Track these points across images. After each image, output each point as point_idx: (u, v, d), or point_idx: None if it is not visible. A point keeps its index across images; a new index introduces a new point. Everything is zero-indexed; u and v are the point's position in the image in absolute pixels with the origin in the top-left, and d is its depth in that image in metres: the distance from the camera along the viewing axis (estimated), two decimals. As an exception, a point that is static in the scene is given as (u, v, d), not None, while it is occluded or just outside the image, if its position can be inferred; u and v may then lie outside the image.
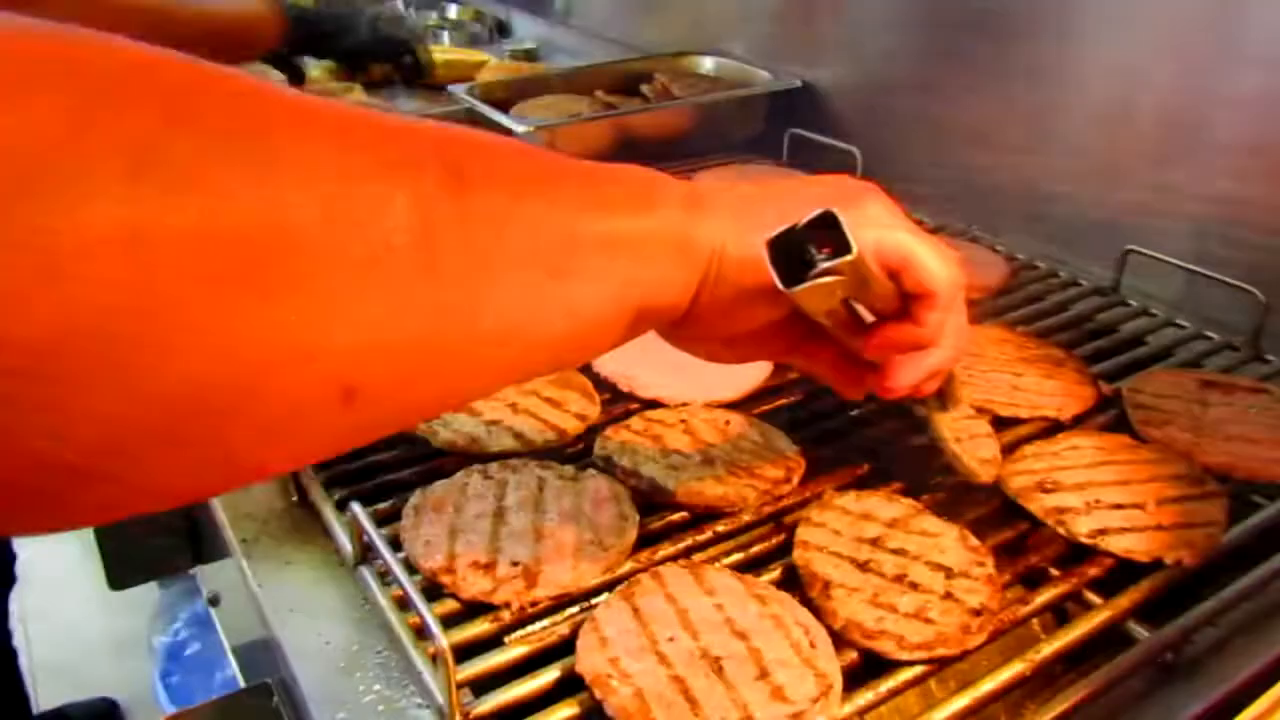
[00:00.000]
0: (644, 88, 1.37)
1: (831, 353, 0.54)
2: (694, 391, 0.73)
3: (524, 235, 0.37)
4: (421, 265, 0.32)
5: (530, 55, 1.81)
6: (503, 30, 2.02)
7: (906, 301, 0.49)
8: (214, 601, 0.92)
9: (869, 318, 0.51)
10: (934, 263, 0.47)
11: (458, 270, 0.34)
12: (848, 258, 0.43)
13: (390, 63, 1.51)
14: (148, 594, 1.53)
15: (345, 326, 0.31)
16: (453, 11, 2.08)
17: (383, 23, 1.44)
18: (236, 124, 0.28)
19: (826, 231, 0.43)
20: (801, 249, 0.44)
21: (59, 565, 2.19)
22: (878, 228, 0.47)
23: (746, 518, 0.63)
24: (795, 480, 0.64)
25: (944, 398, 0.60)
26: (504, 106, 1.26)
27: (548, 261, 0.38)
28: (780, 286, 0.44)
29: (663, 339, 0.51)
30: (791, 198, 0.48)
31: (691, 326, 0.48)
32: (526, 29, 1.97)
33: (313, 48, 1.42)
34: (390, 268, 0.31)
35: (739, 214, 0.47)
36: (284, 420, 0.31)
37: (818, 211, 0.43)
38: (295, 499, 0.66)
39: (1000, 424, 0.72)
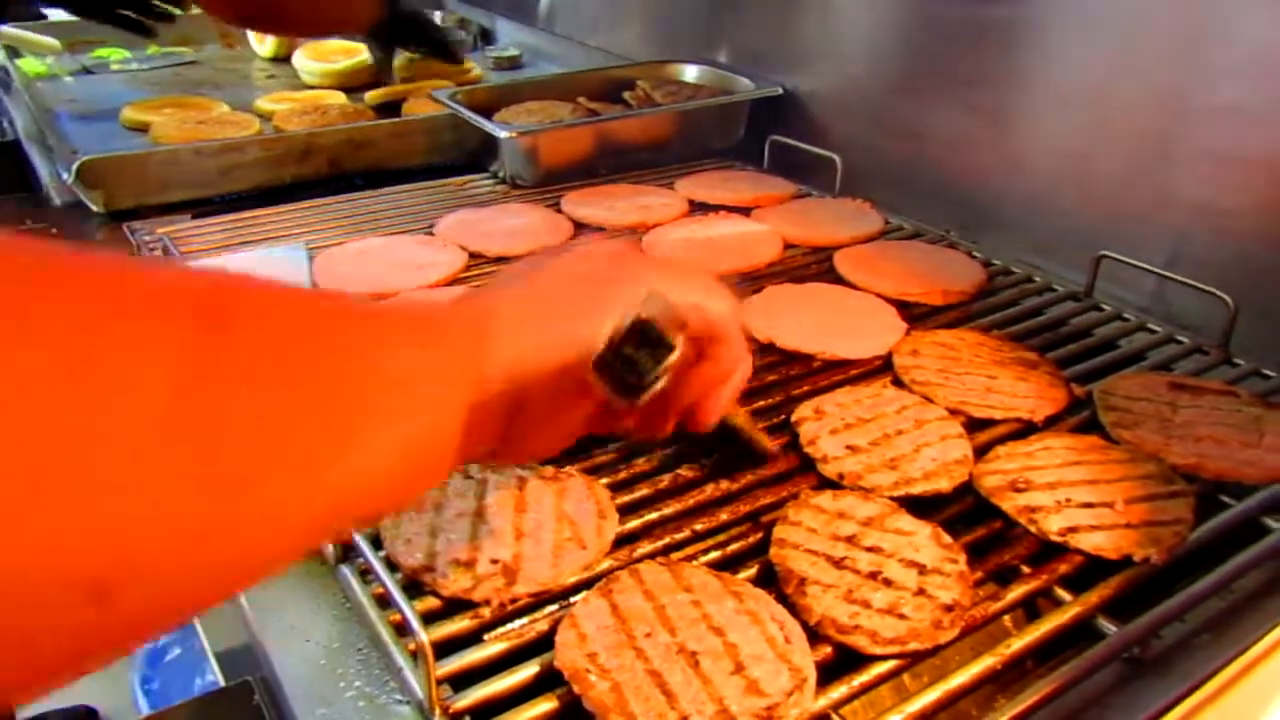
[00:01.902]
0: (626, 94, 1.39)
1: (635, 415, 0.54)
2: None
3: (296, 394, 0.33)
4: (178, 437, 0.28)
5: (514, 62, 1.82)
6: (487, 37, 2.02)
7: (696, 346, 0.50)
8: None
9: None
10: (716, 310, 0.51)
11: (223, 440, 0.29)
12: (673, 358, 0.45)
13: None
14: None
15: (92, 515, 0.26)
16: (437, 18, 2.08)
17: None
18: None
19: (640, 332, 0.45)
20: (620, 357, 0.45)
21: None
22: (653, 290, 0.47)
23: (724, 516, 0.64)
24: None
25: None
26: (488, 112, 1.27)
27: (327, 419, 0.34)
28: (623, 402, 0.45)
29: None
30: (573, 298, 0.48)
31: (509, 447, 0.46)
32: (510, 36, 1.97)
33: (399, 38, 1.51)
34: (143, 444, 0.27)
35: (528, 330, 0.45)
36: (25, 630, 0.26)
37: (629, 323, 0.44)
38: (277, 499, 0.66)
39: (974, 425, 0.73)
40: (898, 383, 0.78)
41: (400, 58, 1.56)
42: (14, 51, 1.74)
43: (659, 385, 0.45)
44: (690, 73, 1.45)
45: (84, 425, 0.26)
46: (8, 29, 1.77)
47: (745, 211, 1.12)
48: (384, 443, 0.36)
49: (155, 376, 0.28)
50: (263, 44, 1.82)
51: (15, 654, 0.26)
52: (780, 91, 1.31)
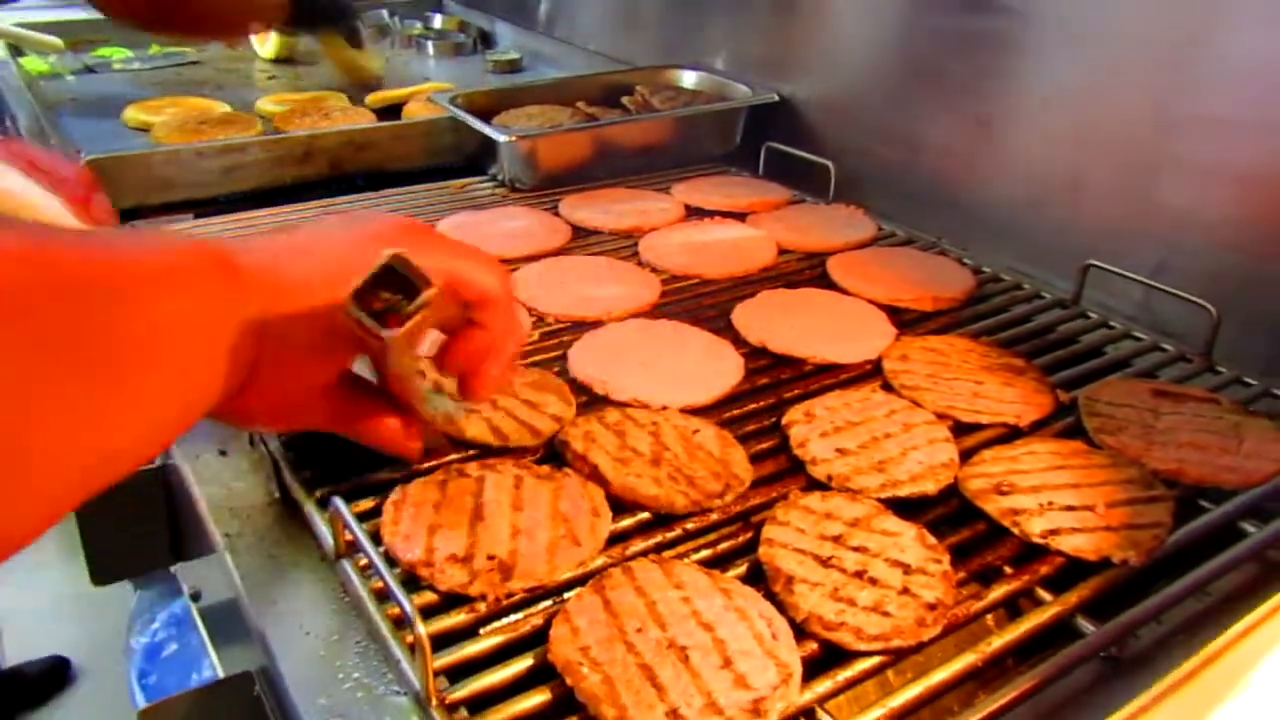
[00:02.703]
0: (625, 100, 1.40)
1: (376, 410, 0.59)
2: (666, 394, 0.76)
3: (55, 360, 0.35)
4: None
5: (514, 65, 1.84)
6: (486, 40, 2.04)
7: (468, 313, 0.55)
8: (195, 597, 0.93)
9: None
10: (483, 273, 0.54)
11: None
12: (432, 291, 0.48)
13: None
14: (125, 596, 1.54)
15: None
16: (437, 21, 2.10)
17: None
18: None
19: (392, 277, 0.48)
20: (375, 297, 0.48)
21: (34, 565, 2.18)
22: (424, 259, 0.50)
23: (715, 517, 0.65)
24: (729, 498, 0.66)
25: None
26: (487, 116, 1.28)
27: (88, 378, 0.36)
28: (382, 334, 0.47)
29: (216, 418, 0.52)
30: (333, 246, 0.51)
31: (248, 398, 0.49)
32: (510, 39, 1.99)
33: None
34: None
35: (286, 270, 0.48)
36: None
37: (386, 256, 0.47)
38: (277, 496, 0.68)
39: (961, 429, 0.75)
40: (887, 387, 0.80)
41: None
42: (16, 50, 1.75)
43: (417, 318, 0.48)
44: (688, 79, 1.47)
45: None
46: (10, 27, 1.78)
47: (740, 217, 1.14)
48: (147, 391, 0.39)
49: None
50: (264, 45, 1.84)
51: None
52: (776, 99, 1.33)
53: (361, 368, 0.61)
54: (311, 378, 0.52)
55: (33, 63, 1.71)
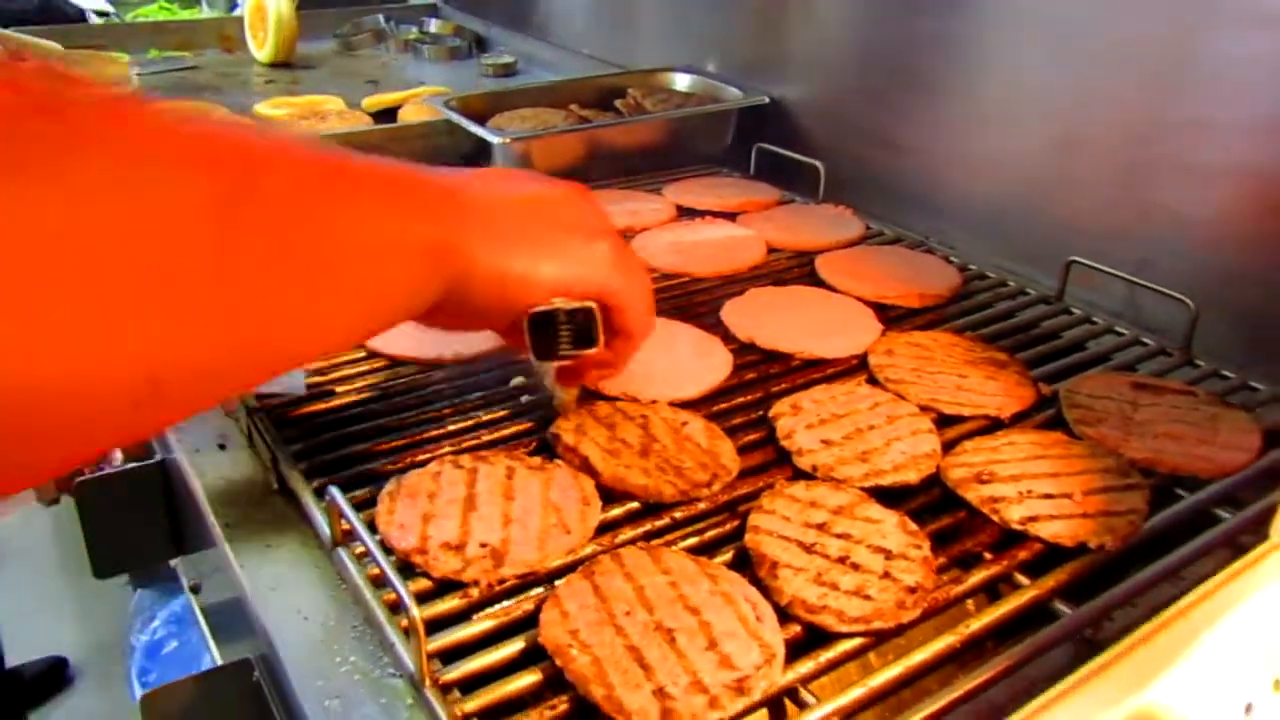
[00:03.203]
0: (618, 102, 1.42)
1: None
2: (656, 389, 0.78)
3: (309, 241, 0.41)
4: (211, 268, 0.35)
5: (509, 69, 1.85)
6: (482, 45, 2.06)
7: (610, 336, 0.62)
8: (195, 589, 0.95)
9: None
10: (640, 311, 0.61)
11: (246, 272, 0.37)
12: (591, 351, 0.58)
13: None
14: (124, 597, 1.56)
15: (145, 324, 0.32)
16: (433, 26, 2.12)
17: None
18: (28, 144, 0.29)
19: (580, 316, 0.57)
20: (551, 324, 0.57)
21: (33, 566, 2.20)
22: (602, 274, 0.59)
23: (702, 506, 0.67)
24: (717, 487, 0.68)
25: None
26: (482, 118, 1.30)
27: (329, 265, 0.42)
28: (532, 357, 0.57)
29: None
30: (538, 232, 0.57)
31: (423, 319, 0.54)
32: (506, 44, 2.01)
33: None
34: (181, 270, 0.34)
35: (492, 235, 0.53)
36: (92, 414, 0.32)
37: (581, 306, 0.57)
38: (275, 487, 0.70)
39: (944, 421, 0.76)
40: (873, 381, 0.82)
41: None
42: (17, 56, 1.77)
43: (564, 364, 0.58)
44: (680, 81, 1.48)
45: (138, 252, 0.32)
46: (10, 33, 1.80)
47: (731, 217, 1.15)
48: (366, 295, 0.46)
49: (195, 217, 0.34)
50: (262, 50, 1.85)
51: (78, 444, 0.33)
52: (767, 101, 1.35)
53: None
54: (480, 327, 0.59)
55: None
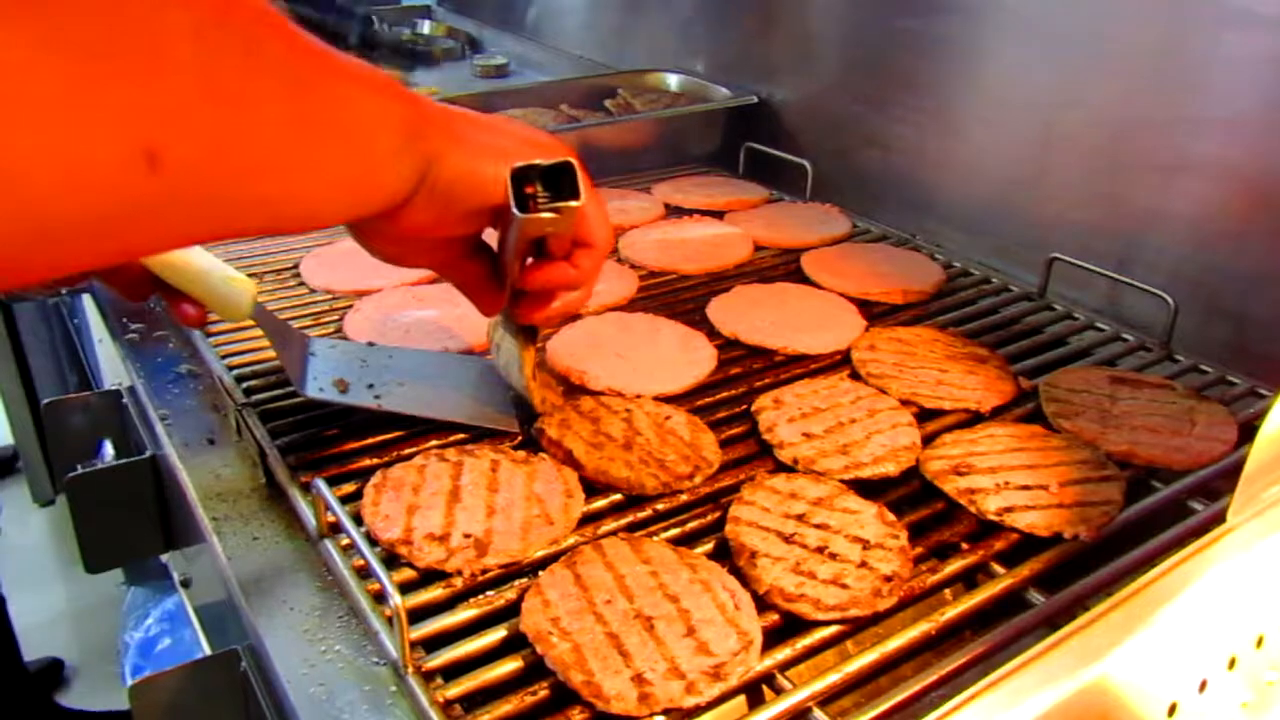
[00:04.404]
0: (608, 102, 1.43)
1: (482, 274, 0.64)
2: (641, 384, 0.79)
3: (291, 84, 0.41)
4: (200, 62, 0.36)
5: (501, 70, 1.86)
6: (474, 46, 2.07)
7: (571, 248, 0.61)
8: (186, 583, 0.95)
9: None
10: (601, 223, 0.61)
11: (232, 76, 0.38)
12: (575, 203, 0.54)
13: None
14: (118, 599, 1.56)
15: (131, 96, 0.33)
16: (426, 27, 2.13)
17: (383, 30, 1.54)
18: None
19: (557, 175, 0.54)
20: (529, 183, 0.54)
21: (30, 568, 2.20)
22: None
23: (684, 498, 0.68)
24: (699, 479, 0.69)
25: (532, 335, 0.72)
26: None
27: (311, 113, 0.43)
28: (514, 209, 0.53)
29: (352, 234, 0.58)
30: (504, 135, 0.56)
31: (393, 220, 0.53)
32: (497, 44, 2.02)
33: None
34: (165, 60, 0.35)
35: (459, 129, 0.53)
36: (94, 183, 0.33)
37: (561, 160, 0.54)
38: (263, 481, 0.70)
39: (925, 415, 0.77)
40: (855, 376, 0.83)
41: None
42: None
43: (548, 215, 0.54)
44: (670, 82, 1.50)
45: (143, 26, 0.33)
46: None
47: (718, 215, 1.16)
48: (345, 149, 0.45)
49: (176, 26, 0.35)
50: None
51: (95, 235, 0.35)
52: (755, 100, 1.36)
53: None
54: (449, 228, 0.56)
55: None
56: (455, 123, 0.54)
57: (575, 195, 0.54)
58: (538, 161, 0.54)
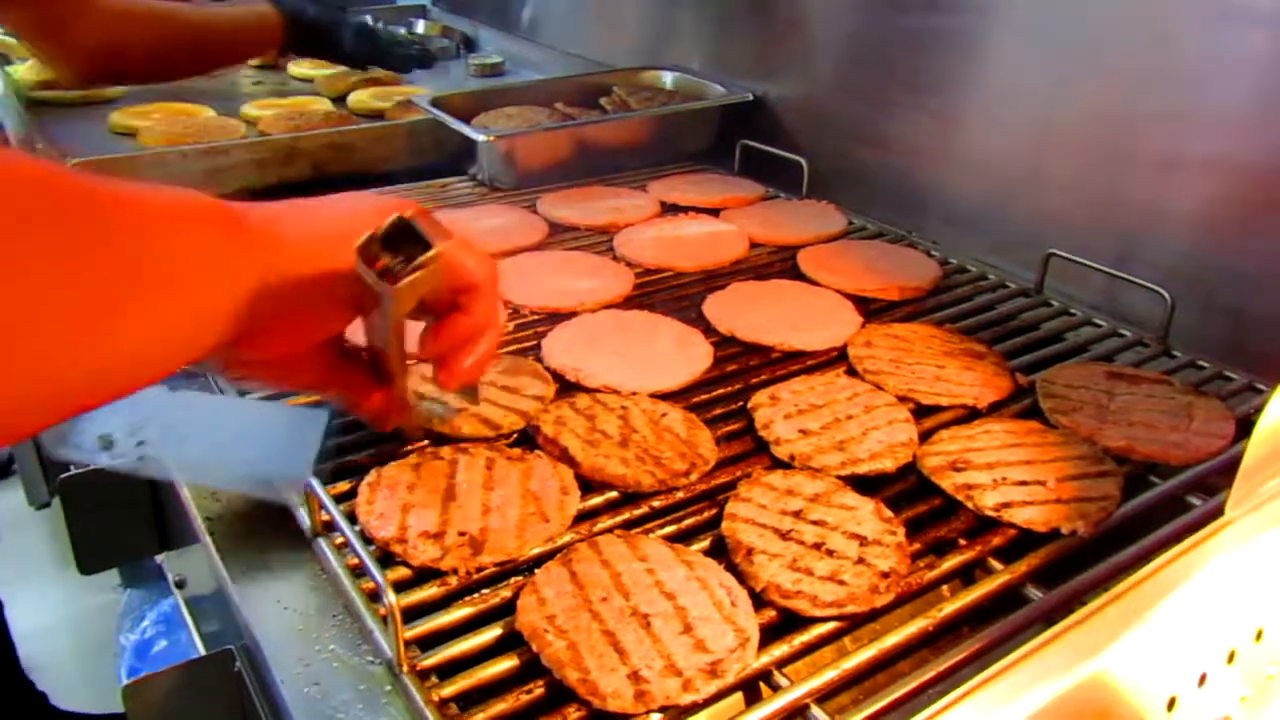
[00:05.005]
0: (603, 100, 1.43)
1: (366, 377, 0.61)
2: (637, 381, 0.78)
3: (71, 272, 0.37)
4: None
5: (496, 69, 1.86)
6: (469, 45, 2.07)
7: (455, 298, 0.57)
8: (181, 584, 0.95)
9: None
10: (474, 260, 0.56)
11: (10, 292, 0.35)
12: (433, 251, 0.50)
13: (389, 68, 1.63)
14: (114, 602, 1.56)
15: None
16: (421, 27, 2.13)
17: (381, 30, 1.54)
18: None
19: (398, 240, 0.50)
20: (377, 258, 0.50)
21: (25, 571, 2.20)
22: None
23: (680, 495, 0.67)
24: (695, 476, 0.68)
25: (473, 393, 0.69)
26: (467, 117, 1.31)
27: (99, 296, 0.38)
28: (382, 286, 0.50)
29: (214, 366, 0.55)
30: (337, 218, 0.53)
31: (247, 347, 0.49)
32: (493, 43, 2.01)
33: (310, 50, 1.51)
34: None
35: (287, 234, 0.50)
36: None
37: (392, 219, 0.50)
38: (258, 480, 0.70)
39: (922, 411, 0.77)
40: (852, 372, 0.83)
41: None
42: (5, 58, 1.77)
43: (417, 275, 0.50)
44: (665, 79, 1.49)
45: None
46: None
47: (714, 212, 1.16)
48: (145, 315, 0.41)
49: None
50: None
51: None
52: (750, 98, 1.36)
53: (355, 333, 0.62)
54: (308, 336, 0.54)
55: (21, 69, 1.73)
56: (281, 224, 0.50)
57: (426, 245, 0.50)
58: (371, 232, 0.50)
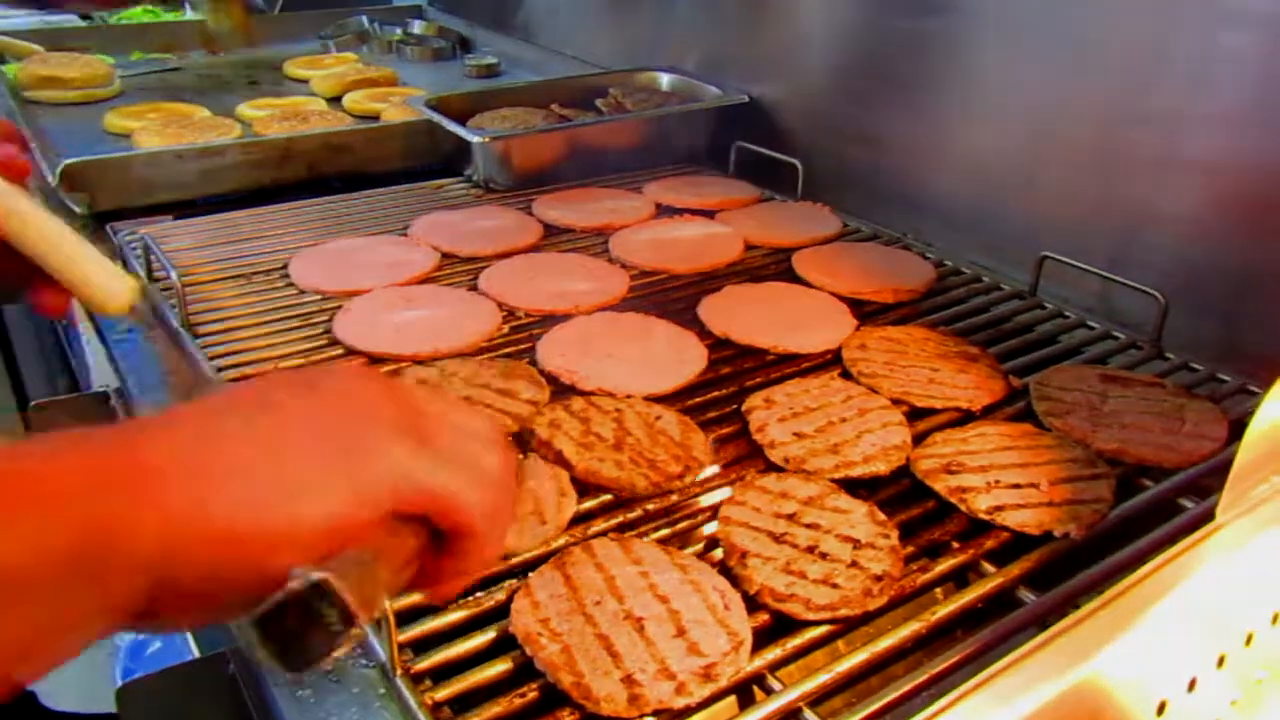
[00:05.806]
0: (599, 101, 1.43)
1: None
2: (631, 383, 0.78)
3: None
4: None
5: (492, 70, 1.86)
6: (465, 45, 2.06)
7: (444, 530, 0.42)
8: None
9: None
10: (472, 500, 0.42)
11: None
12: (354, 635, 0.36)
13: None
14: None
15: None
16: (417, 27, 2.12)
17: None
18: None
19: (320, 596, 0.35)
20: (288, 622, 0.35)
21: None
22: (393, 470, 0.39)
23: (675, 498, 0.67)
24: (690, 478, 0.68)
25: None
26: (463, 118, 1.31)
27: None
28: (288, 673, 0.38)
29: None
30: (298, 458, 0.39)
31: (156, 619, 0.36)
32: (489, 45, 2.01)
33: None
34: None
35: (206, 509, 0.35)
36: None
37: (308, 584, 0.35)
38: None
39: (916, 414, 0.77)
40: (846, 375, 0.83)
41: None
42: (1, 58, 1.76)
43: (327, 665, 0.36)
44: (661, 81, 1.49)
45: None
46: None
47: (710, 214, 1.16)
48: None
49: None
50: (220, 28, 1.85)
51: None
52: (746, 100, 1.36)
53: None
54: (232, 610, 0.38)
55: (14, 68, 1.73)
56: (204, 499, 0.35)
57: (350, 626, 0.35)
58: (276, 601, 0.34)
